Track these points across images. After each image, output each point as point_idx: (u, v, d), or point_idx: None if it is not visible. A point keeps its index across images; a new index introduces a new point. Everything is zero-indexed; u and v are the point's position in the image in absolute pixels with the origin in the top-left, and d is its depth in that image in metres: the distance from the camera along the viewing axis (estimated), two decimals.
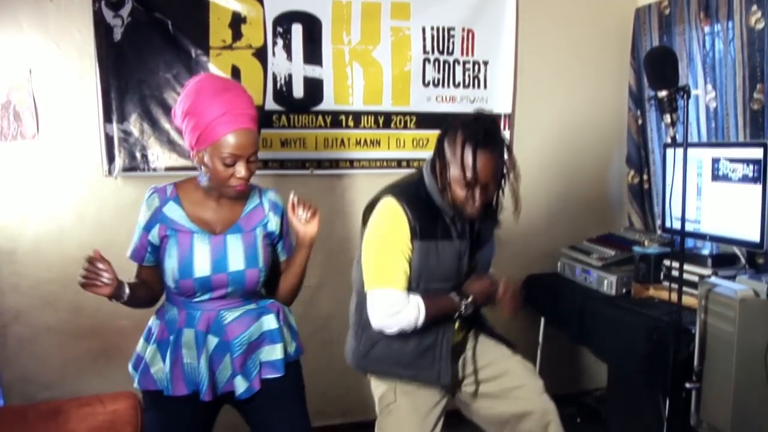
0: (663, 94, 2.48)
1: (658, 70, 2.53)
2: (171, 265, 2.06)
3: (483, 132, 2.11)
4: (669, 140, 2.63)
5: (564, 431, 2.41)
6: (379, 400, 2.43)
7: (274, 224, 2.21)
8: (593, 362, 3.69)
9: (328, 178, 3.37)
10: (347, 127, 3.34)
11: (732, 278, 2.51)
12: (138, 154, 3.07)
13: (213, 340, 2.11)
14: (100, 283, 1.89)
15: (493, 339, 2.53)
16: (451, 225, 2.25)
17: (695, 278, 2.74)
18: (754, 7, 2.89)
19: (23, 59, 2.94)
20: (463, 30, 3.41)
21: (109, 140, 3.03)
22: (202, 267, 2.06)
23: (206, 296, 2.11)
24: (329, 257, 3.46)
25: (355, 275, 2.37)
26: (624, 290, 3.15)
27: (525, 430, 2.40)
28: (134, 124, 3.05)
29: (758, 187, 2.71)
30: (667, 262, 3.03)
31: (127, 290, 1.98)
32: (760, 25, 2.87)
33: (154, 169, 3.08)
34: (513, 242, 3.66)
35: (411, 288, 2.22)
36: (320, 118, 3.29)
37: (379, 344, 2.32)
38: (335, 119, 3.32)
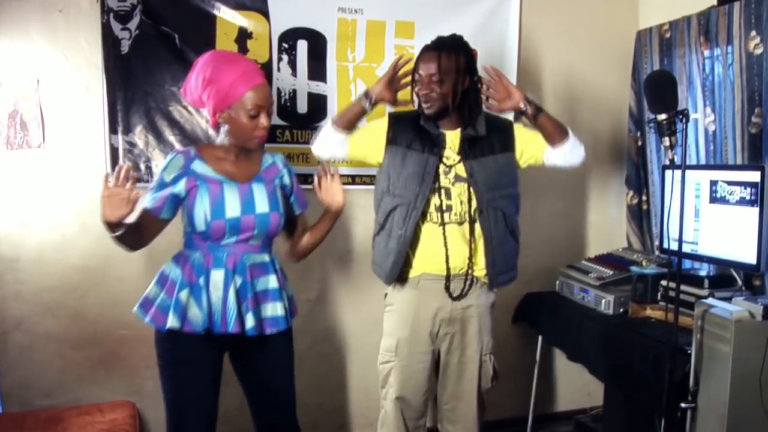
0: (662, 117, 2.51)
1: (657, 94, 2.56)
2: (203, 208, 2.23)
3: (435, 39, 2.56)
4: (668, 162, 2.65)
5: None
6: (386, 300, 2.76)
7: (287, 179, 2.46)
8: (590, 381, 3.70)
9: None
10: None
11: (728, 300, 2.53)
12: (142, 166, 3.10)
13: (238, 280, 2.27)
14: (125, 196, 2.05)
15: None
16: (423, 140, 2.59)
17: (692, 299, 2.75)
18: (753, 33, 2.93)
19: (31, 69, 2.97)
20: None
21: (113, 151, 3.05)
22: (232, 209, 2.25)
23: (233, 239, 2.27)
24: (329, 272, 3.48)
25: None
26: (621, 310, 3.17)
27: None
28: (139, 136, 3.08)
29: (755, 210, 2.74)
30: (664, 283, 3.05)
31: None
32: (759, 50, 2.91)
33: None
34: None
35: (382, 187, 2.65)
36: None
37: (375, 243, 2.71)
38: None
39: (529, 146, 2.65)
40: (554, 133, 2.60)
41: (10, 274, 3.03)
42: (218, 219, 2.23)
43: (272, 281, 2.34)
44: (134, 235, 2.21)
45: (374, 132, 2.67)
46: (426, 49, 2.57)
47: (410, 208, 2.56)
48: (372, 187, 3.37)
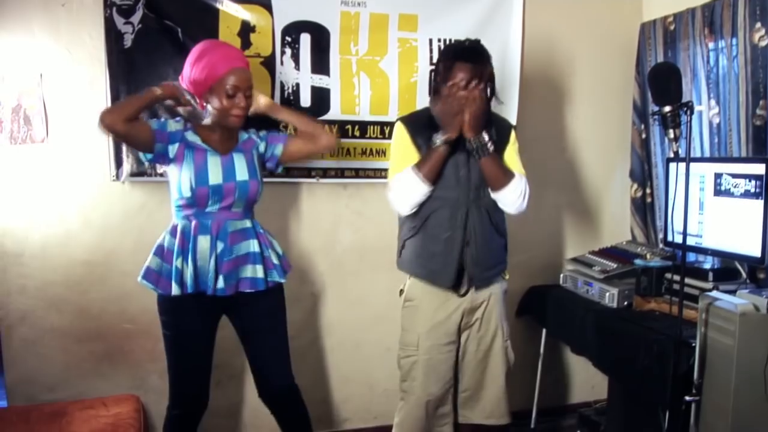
0: (666, 110, 2.50)
1: (661, 86, 2.55)
2: (188, 175, 2.47)
3: (466, 47, 2.61)
4: (672, 155, 2.64)
5: None
6: (405, 296, 2.79)
7: (262, 147, 2.71)
8: (594, 374, 3.70)
9: (334, 187, 3.40)
10: (353, 136, 3.37)
11: (733, 292, 2.52)
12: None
13: (220, 245, 2.51)
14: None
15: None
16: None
17: (696, 292, 2.75)
18: (758, 25, 2.92)
19: (34, 64, 2.97)
20: None
21: (117, 145, 3.04)
22: (215, 176, 2.50)
23: (216, 206, 2.52)
24: (332, 266, 3.48)
25: None
26: (625, 303, 3.16)
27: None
28: None
29: (760, 203, 2.73)
30: (668, 276, 3.04)
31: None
32: (764, 42, 2.90)
33: (161, 175, 3.08)
34: (516, 253, 3.67)
35: None
36: (327, 127, 3.30)
37: (406, 245, 2.73)
38: (341, 128, 3.34)
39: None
40: (490, 179, 2.62)
41: (14, 269, 3.04)
42: (202, 186, 2.47)
43: (253, 245, 2.58)
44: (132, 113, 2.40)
45: (407, 149, 2.66)
46: (459, 58, 2.56)
47: (455, 208, 2.62)
48: (375, 180, 3.40)
